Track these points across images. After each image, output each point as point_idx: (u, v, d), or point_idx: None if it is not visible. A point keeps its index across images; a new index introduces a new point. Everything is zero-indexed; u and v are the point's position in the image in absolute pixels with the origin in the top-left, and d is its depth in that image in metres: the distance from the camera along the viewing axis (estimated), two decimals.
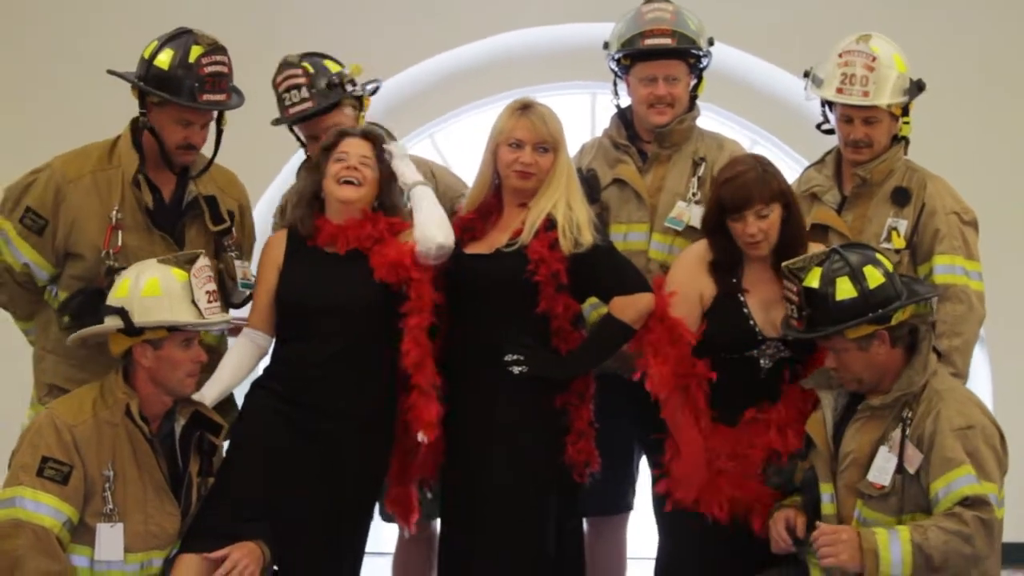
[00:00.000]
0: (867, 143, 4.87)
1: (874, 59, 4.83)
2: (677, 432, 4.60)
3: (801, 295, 4.34)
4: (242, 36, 5.27)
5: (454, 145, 7.79)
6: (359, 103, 5.11)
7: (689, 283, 4.65)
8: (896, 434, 4.29)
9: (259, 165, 7.16)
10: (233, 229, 4.83)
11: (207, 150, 4.82)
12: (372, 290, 4.60)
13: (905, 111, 4.92)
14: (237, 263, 4.81)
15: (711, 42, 5.13)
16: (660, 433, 4.67)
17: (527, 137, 4.64)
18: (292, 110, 5.00)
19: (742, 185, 4.55)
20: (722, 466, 4.58)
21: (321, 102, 4.98)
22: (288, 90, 5.00)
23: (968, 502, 4.17)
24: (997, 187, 7.53)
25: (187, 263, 4.44)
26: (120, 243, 4.64)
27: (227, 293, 4.79)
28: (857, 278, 4.31)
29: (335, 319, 4.56)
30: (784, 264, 4.43)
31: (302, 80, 5.00)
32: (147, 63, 4.62)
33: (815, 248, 4.56)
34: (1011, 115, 7.76)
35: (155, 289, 4.38)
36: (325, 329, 4.55)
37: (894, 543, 4.16)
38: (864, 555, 4.17)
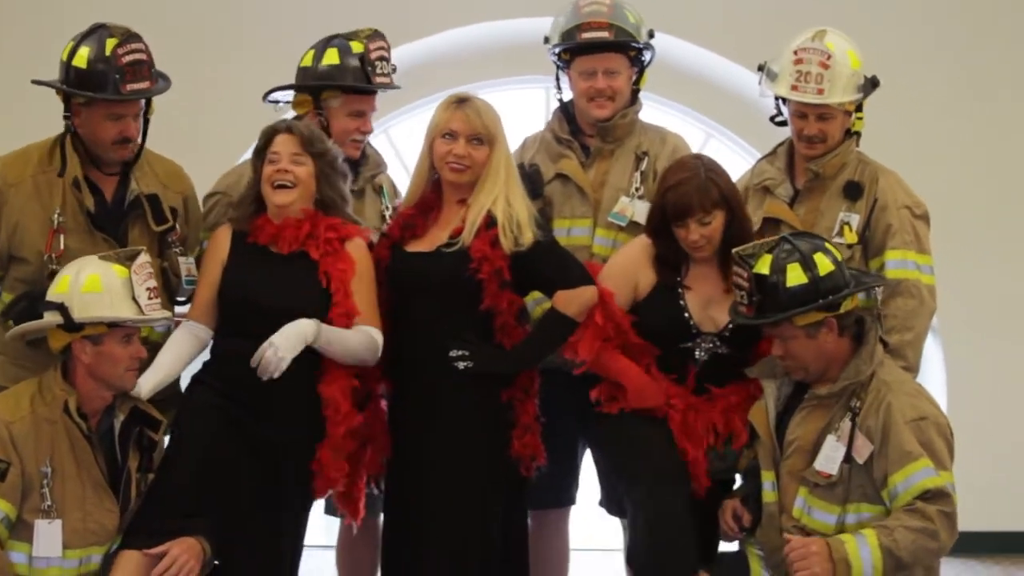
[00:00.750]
0: (821, 138, 4.87)
1: (829, 56, 4.82)
2: (614, 373, 4.61)
3: (751, 281, 4.36)
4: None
5: (409, 140, 7.79)
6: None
7: (627, 269, 4.69)
8: (845, 424, 4.30)
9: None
10: (177, 225, 4.79)
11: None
12: (315, 293, 4.59)
13: (859, 107, 4.92)
14: (181, 260, 4.76)
15: (651, 35, 5.12)
16: (602, 406, 4.69)
17: (461, 129, 4.62)
18: (380, 79, 5.02)
19: (683, 194, 4.57)
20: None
21: (392, 84, 5.10)
22: (381, 60, 5.03)
23: (929, 495, 4.19)
24: (951, 178, 7.57)
25: (128, 259, 4.41)
26: (63, 247, 4.60)
27: (172, 289, 4.77)
28: (808, 265, 4.33)
29: (276, 318, 4.52)
30: (734, 250, 4.44)
31: (389, 55, 5.09)
32: (66, 65, 4.59)
33: None
34: (967, 105, 7.78)
35: (95, 285, 4.35)
36: (266, 327, 4.50)
37: (863, 549, 4.19)
38: (835, 565, 4.18)
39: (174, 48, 6.55)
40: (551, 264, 4.63)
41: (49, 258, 4.59)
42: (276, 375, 4.45)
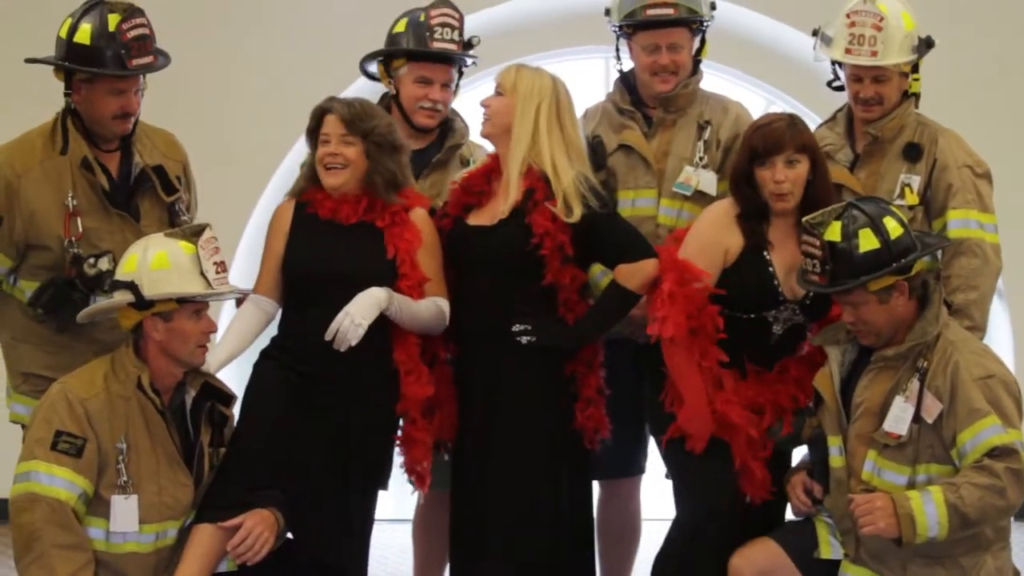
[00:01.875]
0: (877, 101, 4.87)
1: (882, 19, 4.82)
2: (681, 379, 4.59)
3: (824, 249, 4.34)
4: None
5: (471, 111, 7.81)
6: (460, 74, 5.23)
7: (714, 236, 4.65)
8: (914, 384, 4.30)
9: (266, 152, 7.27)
10: (183, 193, 4.85)
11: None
12: (380, 263, 4.63)
13: (915, 68, 4.92)
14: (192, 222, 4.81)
15: (713, 6, 5.13)
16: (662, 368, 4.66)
17: (494, 86, 4.74)
18: (438, 44, 5.07)
19: (773, 131, 4.58)
20: (734, 418, 4.59)
21: (462, 52, 5.13)
22: (443, 25, 5.08)
23: (996, 452, 4.20)
24: (1014, 139, 7.52)
25: (193, 235, 4.45)
26: (80, 229, 4.64)
27: None
28: (878, 229, 4.33)
29: (341, 289, 4.56)
30: (804, 219, 4.43)
31: (456, 23, 5.12)
32: (67, 42, 4.60)
33: None
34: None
35: (163, 262, 4.39)
36: (332, 298, 4.55)
37: (928, 505, 4.19)
38: (900, 520, 4.19)
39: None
40: (612, 236, 4.66)
41: (70, 242, 4.63)
42: (354, 343, 4.50)
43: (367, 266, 4.61)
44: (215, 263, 4.45)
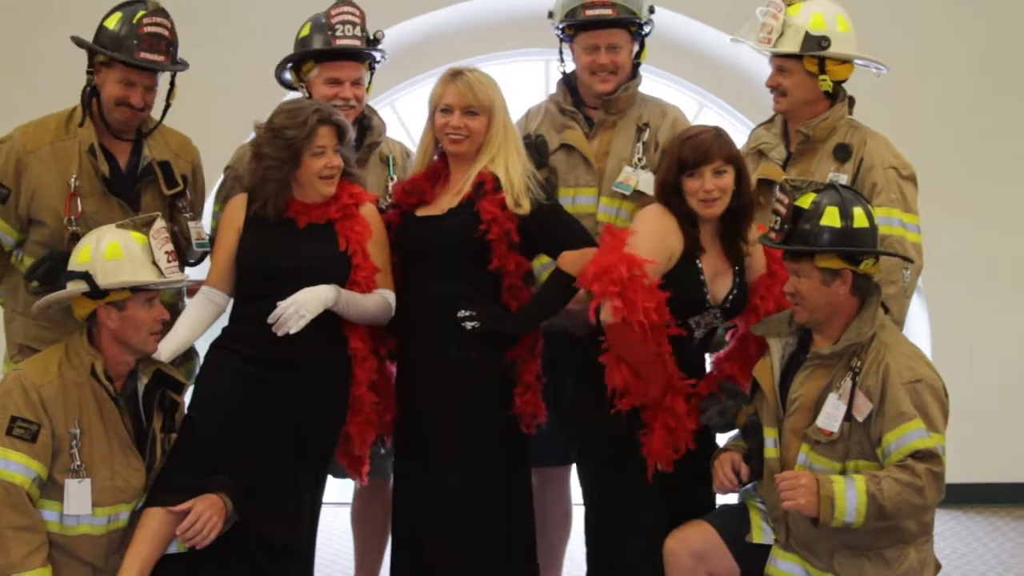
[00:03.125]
0: (781, 92, 5.04)
1: (781, 10, 5.00)
2: (638, 353, 4.60)
3: (790, 209, 4.44)
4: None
5: (414, 112, 7.91)
6: (371, 71, 5.25)
7: (663, 239, 4.69)
8: (847, 383, 4.39)
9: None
10: (187, 191, 4.96)
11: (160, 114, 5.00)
12: (333, 255, 4.73)
13: (823, 68, 5.01)
14: (191, 224, 4.93)
15: (651, 9, 5.22)
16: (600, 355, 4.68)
17: (455, 102, 4.78)
18: (340, 41, 5.09)
19: (702, 143, 4.68)
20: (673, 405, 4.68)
21: (366, 47, 5.13)
22: (343, 23, 5.11)
23: (919, 455, 4.28)
24: (937, 139, 7.67)
25: (144, 226, 4.53)
26: (80, 209, 4.78)
27: (182, 252, 4.90)
28: (845, 213, 4.41)
29: (294, 282, 4.65)
30: (785, 178, 4.57)
31: (357, 20, 5.14)
32: (100, 25, 4.80)
33: (756, 230, 4.74)
34: (949, 65, 7.87)
35: (116, 252, 4.46)
36: (284, 291, 4.64)
37: (850, 491, 4.27)
38: (821, 501, 4.27)
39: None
40: (556, 226, 4.78)
41: (69, 220, 4.77)
42: (293, 331, 4.59)
43: (320, 259, 4.71)
44: (166, 252, 4.52)
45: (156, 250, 4.50)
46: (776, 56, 5.03)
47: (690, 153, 4.68)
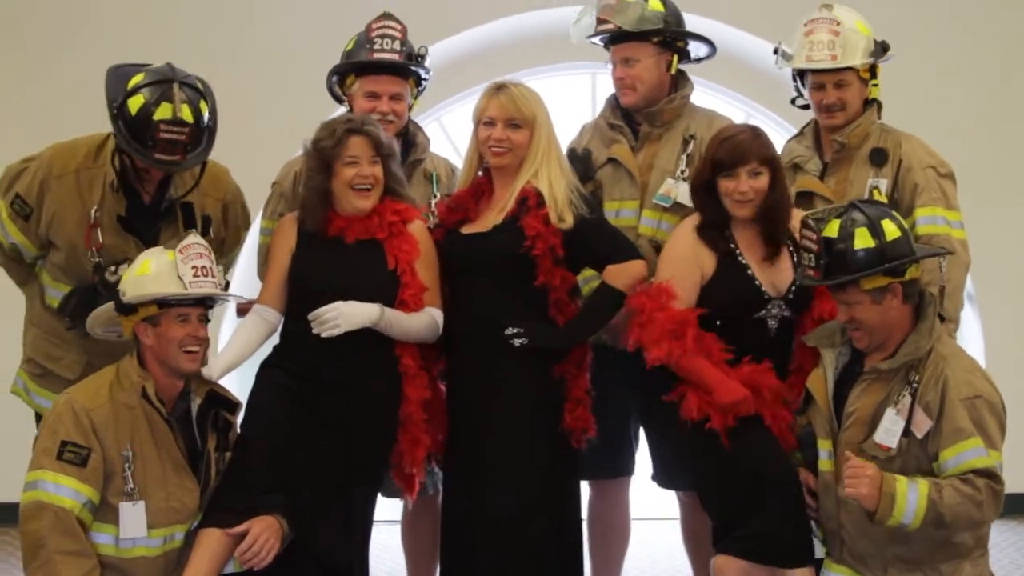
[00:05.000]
0: (840, 107, 5.02)
1: (838, 23, 4.99)
2: (698, 375, 4.61)
3: (820, 244, 4.40)
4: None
5: (460, 127, 7.93)
6: (417, 88, 5.26)
7: (687, 256, 4.72)
8: (906, 399, 4.35)
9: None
10: (211, 230, 4.87)
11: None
12: (383, 275, 4.74)
13: (873, 74, 5.05)
14: (213, 266, 4.78)
15: (672, 21, 5.18)
16: (669, 395, 4.69)
17: (498, 115, 4.79)
18: (378, 55, 5.12)
19: (738, 144, 4.68)
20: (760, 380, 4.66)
21: (406, 61, 5.14)
22: (383, 37, 5.13)
23: (978, 473, 4.26)
24: (981, 144, 7.67)
25: (180, 243, 4.56)
26: (100, 240, 4.78)
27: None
28: (875, 230, 4.38)
29: (344, 300, 4.67)
30: (804, 214, 4.53)
31: (398, 34, 5.15)
32: (125, 96, 4.65)
33: (798, 215, 4.67)
34: (990, 73, 7.89)
35: (146, 268, 4.50)
36: None
37: (912, 493, 4.25)
38: (882, 496, 4.25)
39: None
40: (600, 239, 4.77)
41: (92, 252, 4.77)
42: (324, 336, 4.63)
43: (369, 278, 4.73)
44: (194, 267, 4.51)
45: (181, 264, 4.50)
46: (836, 71, 4.99)
47: (726, 154, 4.68)
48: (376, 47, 5.13)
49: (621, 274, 4.75)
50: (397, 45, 5.15)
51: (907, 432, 4.34)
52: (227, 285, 4.76)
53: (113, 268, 4.74)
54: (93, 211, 4.79)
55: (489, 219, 4.83)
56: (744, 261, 4.73)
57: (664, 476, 5.32)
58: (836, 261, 4.39)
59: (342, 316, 4.63)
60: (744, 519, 4.56)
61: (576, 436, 4.82)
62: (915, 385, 4.36)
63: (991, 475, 4.27)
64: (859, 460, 4.31)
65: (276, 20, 7.89)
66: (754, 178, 4.67)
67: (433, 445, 4.91)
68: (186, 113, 4.62)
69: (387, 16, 5.19)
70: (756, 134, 4.75)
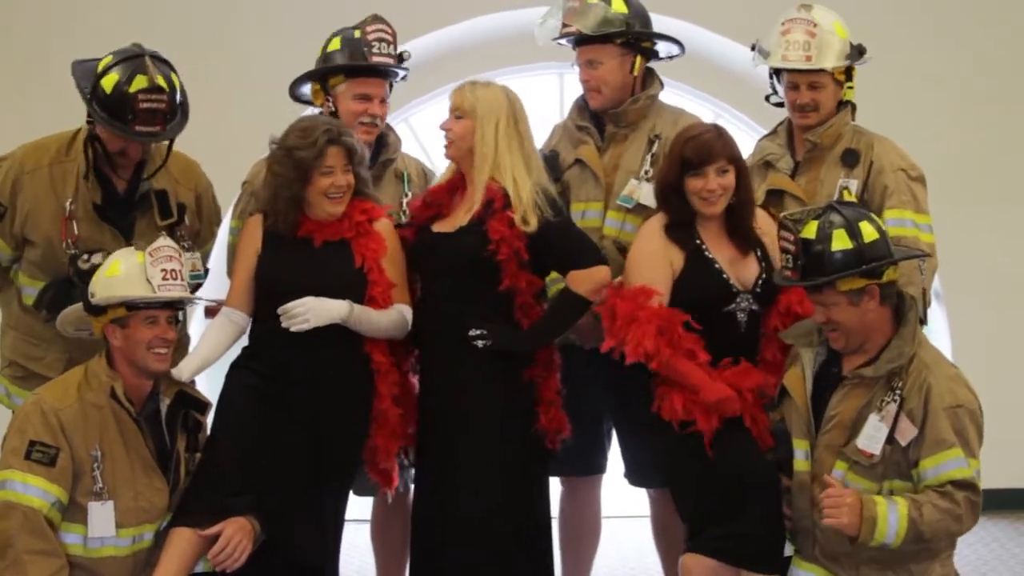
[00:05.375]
0: (813, 107, 5.03)
1: (815, 25, 5.00)
2: (683, 376, 4.61)
3: (798, 245, 4.42)
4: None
5: (429, 128, 7.93)
6: (390, 89, 5.27)
7: (656, 254, 4.74)
8: (891, 407, 4.36)
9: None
10: (186, 218, 4.92)
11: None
12: (351, 274, 4.75)
13: (848, 76, 5.07)
14: (187, 255, 4.82)
15: (635, 24, 5.17)
16: (651, 398, 4.70)
17: (450, 106, 4.84)
18: (377, 58, 5.12)
19: (705, 142, 4.70)
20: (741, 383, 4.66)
21: (398, 65, 5.17)
22: (380, 40, 5.13)
23: (956, 484, 4.29)
24: (952, 147, 7.71)
25: (151, 245, 4.57)
26: (76, 232, 4.79)
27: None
28: (853, 232, 4.39)
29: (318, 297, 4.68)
30: (782, 215, 4.56)
31: (390, 38, 5.16)
32: (97, 78, 4.69)
33: (762, 215, 4.75)
34: (964, 74, 7.93)
35: (115, 270, 4.52)
36: None
37: (892, 515, 4.27)
38: (863, 521, 4.27)
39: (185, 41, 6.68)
40: (564, 245, 4.77)
41: (67, 244, 4.78)
42: (293, 330, 4.64)
43: (337, 278, 4.73)
44: (163, 270, 4.51)
45: (150, 267, 4.51)
46: (810, 72, 5.01)
47: (693, 152, 4.69)
48: (375, 51, 5.13)
49: (585, 280, 4.75)
50: (391, 49, 5.17)
51: (891, 439, 4.36)
52: (206, 272, 4.85)
53: (86, 256, 4.73)
54: (68, 203, 4.80)
55: (457, 218, 4.83)
56: (711, 256, 4.74)
57: (637, 475, 5.33)
58: (813, 262, 4.41)
59: (311, 311, 4.64)
60: (721, 522, 4.57)
61: (551, 437, 4.83)
62: (899, 392, 4.37)
63: (970, 486, 4.30)
64: (837, 488, 4.34)
65: (250, 21, 7.86)
66: (722, 176, 4.69)
67: (404, 438, 4.92)
68: (162, 81, 4.66)
69: (379, 19, 5.21)
70: (720, 133, 4.78)
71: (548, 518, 4.94)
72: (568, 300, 4.79)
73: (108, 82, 4.66)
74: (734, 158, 4.72)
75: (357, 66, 5.12)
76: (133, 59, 4.70)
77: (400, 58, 5.20)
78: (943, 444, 4.30)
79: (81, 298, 4.60)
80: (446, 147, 4.85)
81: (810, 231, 4.43)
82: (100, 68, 4.70)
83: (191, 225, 4.96)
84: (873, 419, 4.38)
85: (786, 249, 4.48)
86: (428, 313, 4.84)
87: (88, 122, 4.80)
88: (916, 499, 4.28)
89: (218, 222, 5.22)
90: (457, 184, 4.91)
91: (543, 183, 4.82)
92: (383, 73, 5.16)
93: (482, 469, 4.74)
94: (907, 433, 4.34)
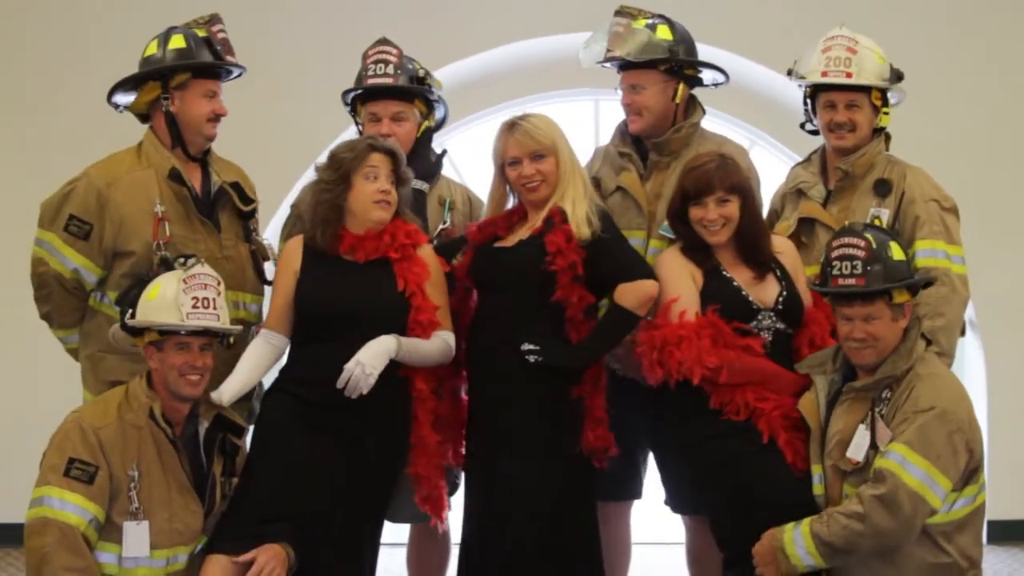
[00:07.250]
0: (850, 127, 5.02)
1: (856, 42, 5.02)
2: (753, 372, 4.64)
3: (869, 250, 4.45)
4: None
5: (465, 152, 7.96)
6: (429, 110, 5.29)
7: (683, 270, 4.76)
8: (869, 414, 4.42)
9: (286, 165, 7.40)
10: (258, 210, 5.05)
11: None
12: (393, 297, 4.75)
13: (885, 102, 5.07)
14: (267, 243, 5.02)
15: (680, 51, 5.18)
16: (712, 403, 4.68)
17: (520, 152, 4.82)
18: (371, 80, 5.19)
19: (703, 173, 4.73)
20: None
21: (406, 83, 5.19)
22: (376, 62, 5.20)
23: (876, 476, 4.31)
24: (991, 178, 7.71)
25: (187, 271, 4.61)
26: (168, 234, 4.83)
27: (263, 272, 5.04)
28: (902, 245, 4.50)
29: (355, 324, 4.68)
30: (846, 223, 4.63)
31: (393, 59, 5.22)
32: (160, 54, 4.86)
33: (777, 239, 4.82)
34: (1002, 105, 7.92)
35: (154, 293, 4.55)
36: (344, 333, 4.67)
37: (796, 535, 4.34)
38: (776, 555, 4.34)
39: None
40: (616, 257, 4.77)
41: (158, 245, 4.81)
42: (365, 391, 4.60)
43: (379, 300, 4.73)
44: (195, 298, 4.54)
45: (182, 294, 4.53)
46: (850, 90, 5.01)
47: (692, 184, 4.74)
48: (371, 73, 5.21)
49: (632, 292, 4.75)
50: (391, 69, 5.20)
51: (873, 444, 4.39)
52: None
53: (182, 260, 4.71)
54: (157, 206, 4.84)
55: (518, 236, 4.86)
56: (728, 275, 4.75)
57: (677, 501, 5.30)
58: (880, 268, 4.44)
59: (365, 364, 4.61)
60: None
61: (598, 456, 4.83)
62: (885, 400, 4.41)
63: (880, 479, 4.29)
64: (756, 547, 4.42)
65: (287, 44, 7.89)
66: (722, 205, 4.72)
67: (455, 456, 4.95)
68: (214, 16, 5.01)
69: (383, 41, 5.27)
70: (722, 163, 4.78)
71: (596, 537, 4.92)
72: (616, 315, 4.80)
73: (177, 41, 4.88)
74: (736, 188, 4.73)
75: (354, 91, 5.26)
76: (170, 30, 4.95)
77: (414, 78, 5.25)
78: (891, 440, 4.33)
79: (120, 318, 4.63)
80: (534, 190, 4.84)
81: (872, 240, 4.47)
82: (155, 48, 4.91)
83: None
84: (860, 428, 4.43)
85: (851, 256, 4.48)
86: (482, 330, 4.85)
87: (164, 99, 4.88)
88: (825, 512, 4.35)
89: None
90: (517, 213, 4.95)
91: (597, 200, 4.87)
92: (388, 92, 5.19)
93: (532, 490, 4.73)
94: (884, 437, 4.37)
